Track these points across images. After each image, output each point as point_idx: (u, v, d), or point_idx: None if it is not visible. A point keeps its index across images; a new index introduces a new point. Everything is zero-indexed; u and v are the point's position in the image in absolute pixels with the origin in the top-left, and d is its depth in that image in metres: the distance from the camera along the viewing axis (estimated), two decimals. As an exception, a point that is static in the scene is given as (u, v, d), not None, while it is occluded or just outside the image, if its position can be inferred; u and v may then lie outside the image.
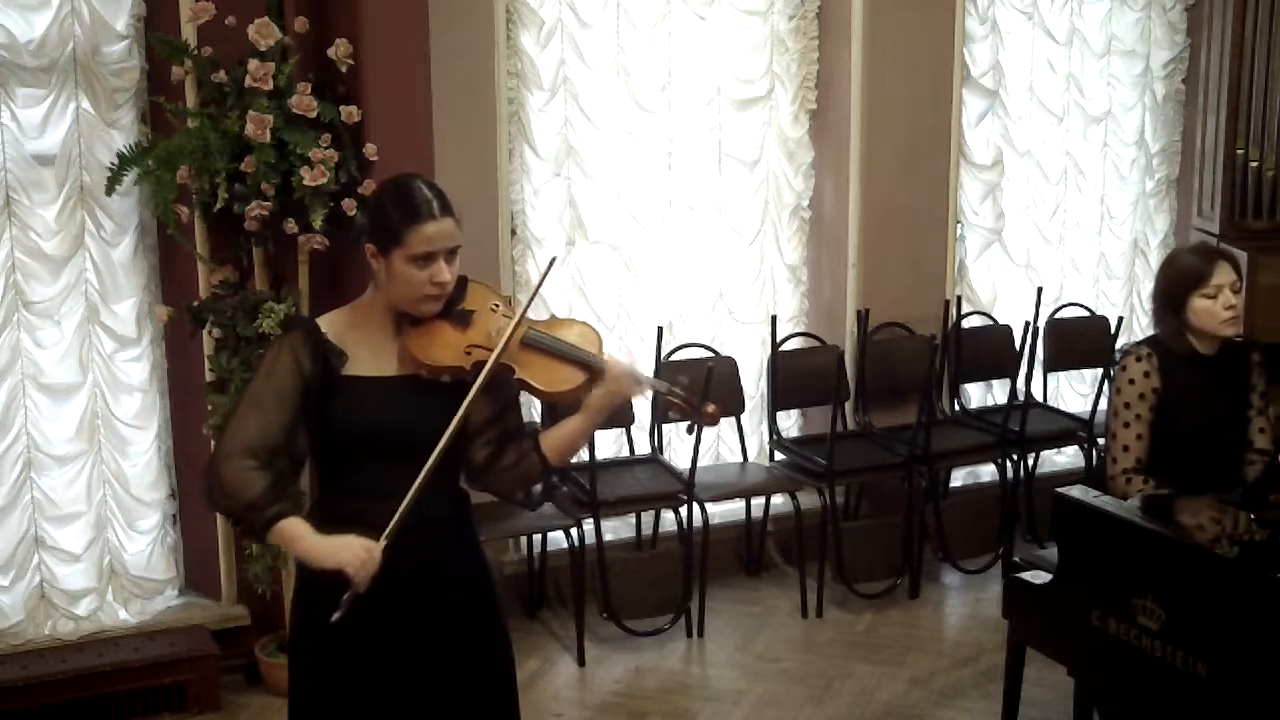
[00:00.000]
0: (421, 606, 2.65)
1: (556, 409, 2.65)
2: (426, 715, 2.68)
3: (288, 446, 2.58)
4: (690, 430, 2.81)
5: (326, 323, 2.66)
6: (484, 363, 2.56)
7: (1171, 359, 3.71)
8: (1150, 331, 3.90)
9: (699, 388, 2.81)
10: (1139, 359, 3.71)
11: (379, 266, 2.60)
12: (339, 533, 2.55)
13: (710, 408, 2.67)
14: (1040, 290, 5.93)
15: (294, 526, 2.53)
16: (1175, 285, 3.70)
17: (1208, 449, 3.71)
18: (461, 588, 2.72)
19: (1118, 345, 5.98)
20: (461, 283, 2.66)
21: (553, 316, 2.78)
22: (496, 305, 2.67)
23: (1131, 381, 3.70)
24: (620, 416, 5.05)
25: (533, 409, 4.50)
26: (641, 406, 5.21)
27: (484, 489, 2.77)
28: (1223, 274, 3.66)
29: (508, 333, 2.59)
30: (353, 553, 2.47)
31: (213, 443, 4.40)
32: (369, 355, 2.61)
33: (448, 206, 2.59)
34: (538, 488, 2.74)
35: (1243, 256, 5.79)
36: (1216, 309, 3.65)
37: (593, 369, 2.63)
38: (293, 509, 2.55)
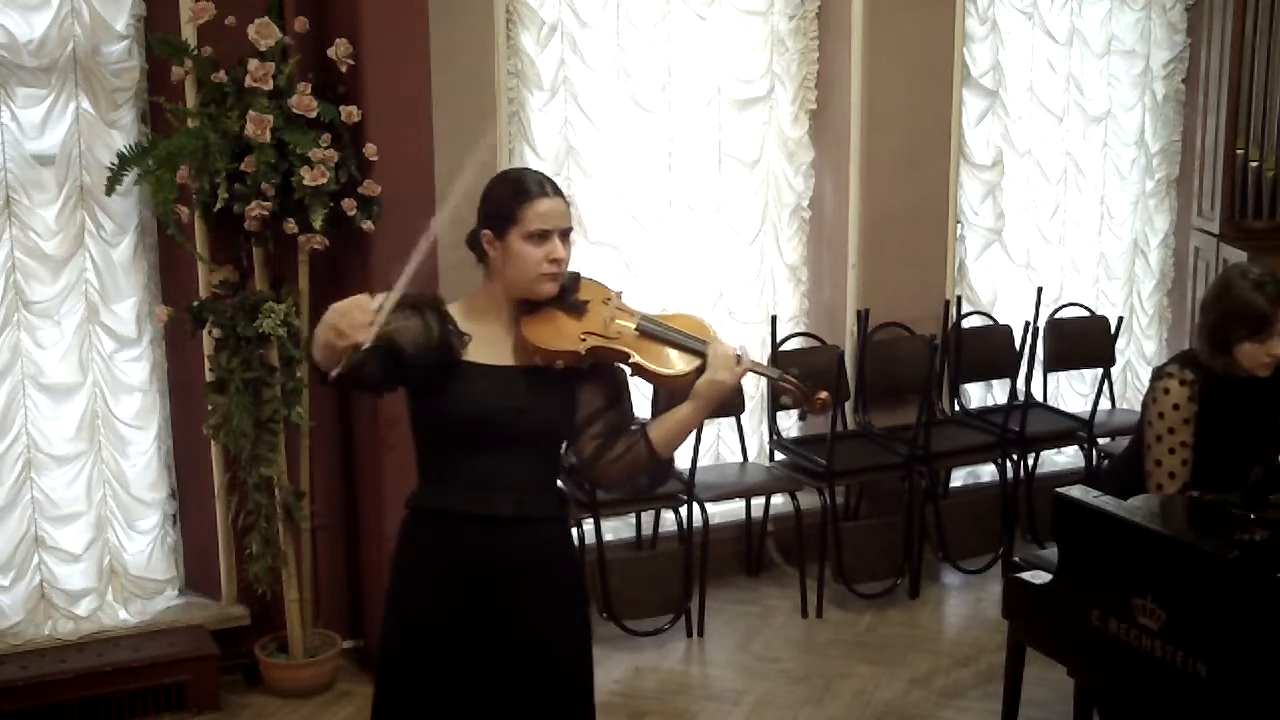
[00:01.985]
0: (520, 603, 2.68)
1: (673, 396, 2.71)
2: (505, 712, 2.69)
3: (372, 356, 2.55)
4: (801, 417, 2.83)
5: (450, 310, 2.71)
6: (599, 348, 2.63)
7: (1210, 379, 3.63)
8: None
9: (811, 374, 2.85)
10: (1182, 383, 3.61)
11: (495, 252, 2.66)
12: (437, 528, 2.67)
13: (822, 395, 2.69)
14: (1040, 290, 5.94)
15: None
16: (1231, 325, 3.56)
17: (1243, 466, 3.59)
18: (558, 589, 2.75)
19: (1118, 345, 6.00)
20: (574, 277, 2.72)
21: (664, 311, 2.82)
22: (609, 298, 2.73)
23: (1176, 407, 3.61)
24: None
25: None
26: (641, 405, 5.20)
27: (590, 481, 2.81)
28: None
29: (623, 320, 2.66)
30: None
31: (212, 443, 4.43)
32: (486, 344, 2.67)
33: (558, 189, 2.70)
34: (644, 477, 2.77)
35: (1243, 257, 5.81)
36: (1261, 355, 3.55)
37: (705, 356, 2.68)
38: None
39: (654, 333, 2.69)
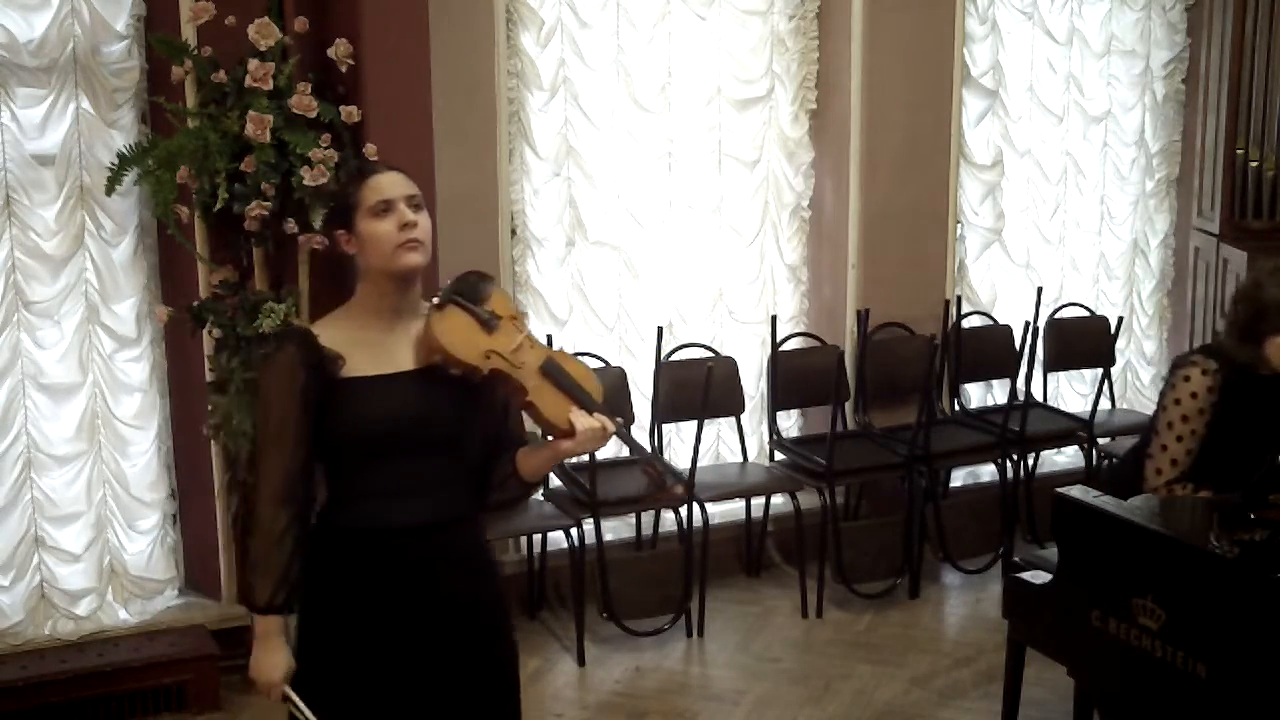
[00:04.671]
0: (445, 606, 2.64)
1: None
2: (434, 710, 2.66)
3: (305, 477, 2.59)
4: (646, 501, 2.71)
5: (323, 328, 2.64)
6: (500, 371, 2.57)
7: (1234, 375, 3.56)
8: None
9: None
10: (1205, 372, 3.54)
11: (355, 248, 2.61)
12: (353, 540, 2.59)
13: (678, 489, 2.65)
14: (1040, 290, 5.93)
15: (265, 623, 2.59)
16: (1263, 320, 3.50)
17: (1255, 462, 3.54)
18: (478, 587, 2.71)
19: (1118, 345, 6.00)
20: (487, 280, 2.67)
21: (563, 350, 2.78)
22: (517, 318, 2.67)
23: (1194, 395, 3.54)
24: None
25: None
26: (641, 405, 5.22)
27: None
28: None
29: (529, 350, 2.61)
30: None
31: (212, 443, 4.43)
32: (370, 355, 2.59)
33: (393, 166, 2.67)
34: (518, 500, 2.79)
35: (1243, 256, 5.81)
36: None
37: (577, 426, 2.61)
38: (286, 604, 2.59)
39: (555, 376, 2.61)
